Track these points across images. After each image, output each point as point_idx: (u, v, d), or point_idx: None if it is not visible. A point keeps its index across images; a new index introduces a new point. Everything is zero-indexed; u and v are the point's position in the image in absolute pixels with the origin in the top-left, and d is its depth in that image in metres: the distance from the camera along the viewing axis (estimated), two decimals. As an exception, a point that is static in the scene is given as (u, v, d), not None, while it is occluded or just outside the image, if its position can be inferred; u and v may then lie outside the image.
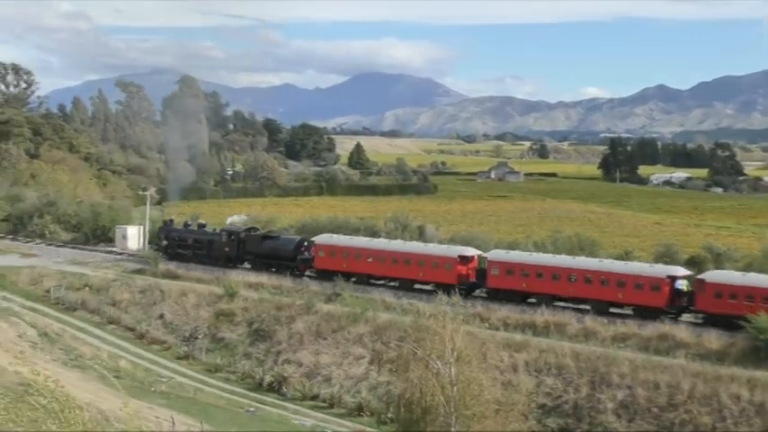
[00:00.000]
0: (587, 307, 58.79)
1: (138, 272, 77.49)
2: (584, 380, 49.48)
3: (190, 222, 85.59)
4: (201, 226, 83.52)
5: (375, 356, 55.70)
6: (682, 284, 57.10)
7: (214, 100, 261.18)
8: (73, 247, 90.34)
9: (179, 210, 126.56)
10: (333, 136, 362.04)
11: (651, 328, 53.40)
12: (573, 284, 59.69)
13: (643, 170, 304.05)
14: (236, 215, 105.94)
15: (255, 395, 53.28)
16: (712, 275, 57.01)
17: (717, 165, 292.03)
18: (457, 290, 58.02)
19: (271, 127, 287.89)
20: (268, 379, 55.68)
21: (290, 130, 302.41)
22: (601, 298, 58.36)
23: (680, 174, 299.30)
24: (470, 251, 67.17)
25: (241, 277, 71.17)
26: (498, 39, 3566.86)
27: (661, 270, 58.93)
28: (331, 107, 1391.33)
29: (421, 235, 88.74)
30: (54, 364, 50.88)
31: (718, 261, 74.17)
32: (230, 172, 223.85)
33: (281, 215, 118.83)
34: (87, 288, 74.08)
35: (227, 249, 77.81)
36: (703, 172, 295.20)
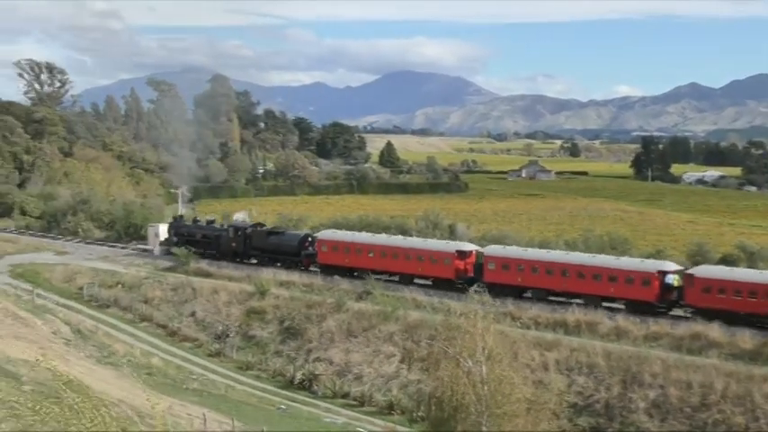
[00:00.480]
0: (617, 305, 58.77)
1: (170, 269, 78.01)
2: (615, 379, 49.23)
3: (199, 219, 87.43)
4: (210, 222, 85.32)
5: (406, 355, 55.70)
6: (672, 279, 57.60)
7: (245, 98, 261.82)
8: (106, 245, 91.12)
9: (210, 208, 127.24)
10: (363, 134, 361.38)
11: (684, 328, 53.10)
12: (566, 279, 60.46)
13: (675, 169, 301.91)
14: (242, 212, 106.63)
15: (286, 393, 53.40)
16: (701, 270, 57.86)
17: (750, 163, 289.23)
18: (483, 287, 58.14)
19: (302, 125, 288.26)
20: (299, 377, 55.77)
21: (321, 129, 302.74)
22: (593, 292, 59.06)
23: (713, 172, 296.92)
24: (468, 246, 68.55)
25: (272, 275, 71.43)
26: (529, 37, 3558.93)
27: (651, 265, 59.50)
28: (362, 106, 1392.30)
29: (452, 233, 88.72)
30: (87, 361, 51.25)
31: (752, 260, 73.69)
32: (261, 170, 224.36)
33: (312, 213, 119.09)
34: (120, 285, 74.72)
35: (233, 245, 79.64)
36: (737, 170, 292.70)
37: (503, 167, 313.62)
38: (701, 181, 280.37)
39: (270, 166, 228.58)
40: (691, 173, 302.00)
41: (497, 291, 61.44)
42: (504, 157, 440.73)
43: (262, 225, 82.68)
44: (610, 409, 47.96)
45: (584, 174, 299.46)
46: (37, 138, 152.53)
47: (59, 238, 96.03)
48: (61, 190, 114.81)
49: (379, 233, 78.12)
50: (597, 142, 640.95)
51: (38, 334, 56.14)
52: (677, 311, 57.87)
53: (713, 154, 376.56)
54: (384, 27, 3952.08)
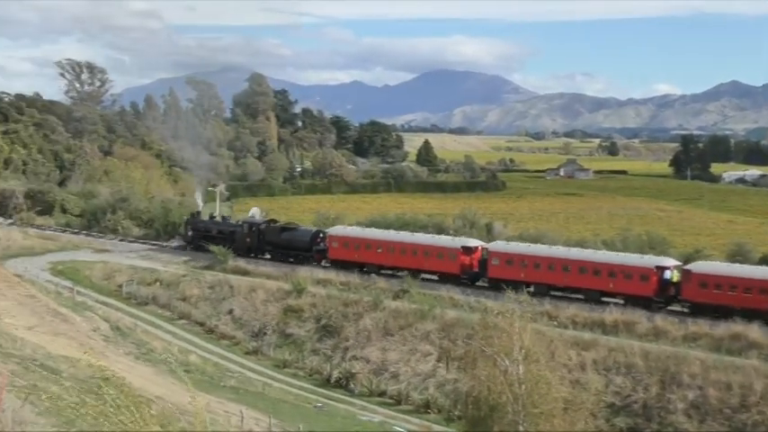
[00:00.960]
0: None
1: (208, 267, 78.43)
2: (653, 379, 48.94)
3: (214, 214, 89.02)
4: (225, 218, 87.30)
5: (442, 354, 55.77)
6: (670, 275, 58.44)
7: (283, 97, 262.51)
8: (144, 243, 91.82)
9: (248, 206, 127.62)
10: (401, 133, 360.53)
11: (723, 328, 52.71)
12: (567, 274, 61.88)
13: (715, 168, 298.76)
14: (256, 208, 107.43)
15: (323, 391, 53.56)
16: (698, 266, 58.92)
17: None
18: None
19: (339, 124, 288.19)
20: (336, 375, 55.95)
21: (359, 128, 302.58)
22: (593, 287, 60.45)
23: (753, 171, 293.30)
24: (473, 242, 70.18)
25: (309, 273, 71.69)
26: (568, 35, 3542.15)
27: (650, 261, 60.73)
28: (399, 104, 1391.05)
29: (489, 232, 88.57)
30: (126, 358, 51.66)
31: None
32: (299, 169, 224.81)
33: (349, 212, 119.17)
34: (158, 283, 75.19)
35: (248, 240, 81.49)
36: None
37: (540, 166, 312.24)
38: (741, 180, 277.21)
39: (307, 164, 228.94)
40: (731, 172, 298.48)
41: (501, 286, 62.30)
42: (541, 156, 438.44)
43: (275, 221, 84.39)
44: (648, 409, 47.70)
45: (623, 173, 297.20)
46: (77, 136, 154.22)
47: (99, 236, 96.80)
48: (101, 188, 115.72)
49: (388, 230, 78.86)
50: (636, 141, 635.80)
51: (77, 330, 56.64)
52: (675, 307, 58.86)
53: (754, 153, 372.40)
54: (422, 26, 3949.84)
